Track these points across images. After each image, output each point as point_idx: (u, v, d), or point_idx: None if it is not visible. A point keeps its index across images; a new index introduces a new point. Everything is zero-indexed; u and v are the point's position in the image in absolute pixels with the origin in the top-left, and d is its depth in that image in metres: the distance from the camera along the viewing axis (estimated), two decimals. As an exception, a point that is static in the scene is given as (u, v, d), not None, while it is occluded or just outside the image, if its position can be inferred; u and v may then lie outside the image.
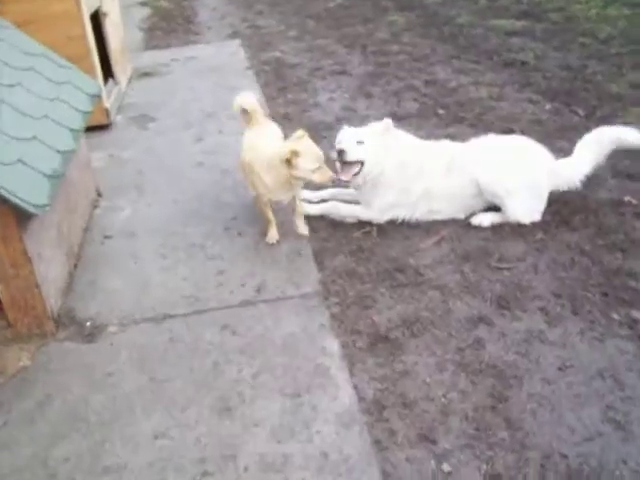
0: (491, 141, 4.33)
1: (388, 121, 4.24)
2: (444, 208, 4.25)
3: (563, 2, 9.47)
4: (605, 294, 3.52)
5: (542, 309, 3.46)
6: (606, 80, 6.39)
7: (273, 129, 4.38)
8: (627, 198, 4.33)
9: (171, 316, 3.63)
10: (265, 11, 11.19)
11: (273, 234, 4.18)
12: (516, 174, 4.08)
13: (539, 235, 4.06)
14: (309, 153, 3.78)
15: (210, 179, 5.10)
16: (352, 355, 3.25)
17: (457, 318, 3.45)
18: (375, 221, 4.31)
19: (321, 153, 3.84)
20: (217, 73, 7.52)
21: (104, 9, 6.39)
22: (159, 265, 4.09)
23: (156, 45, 9.37)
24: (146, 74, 7.73)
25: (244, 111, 4.27)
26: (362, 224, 4.31)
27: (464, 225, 4.24)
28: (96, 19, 6.17)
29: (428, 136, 5.42)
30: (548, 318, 3.40)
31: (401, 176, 4.15)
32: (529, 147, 4.25)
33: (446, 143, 4.41)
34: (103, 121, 6.09)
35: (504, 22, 8.72)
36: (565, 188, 4.21)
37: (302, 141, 3.82)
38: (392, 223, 4.31)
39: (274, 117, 6.08)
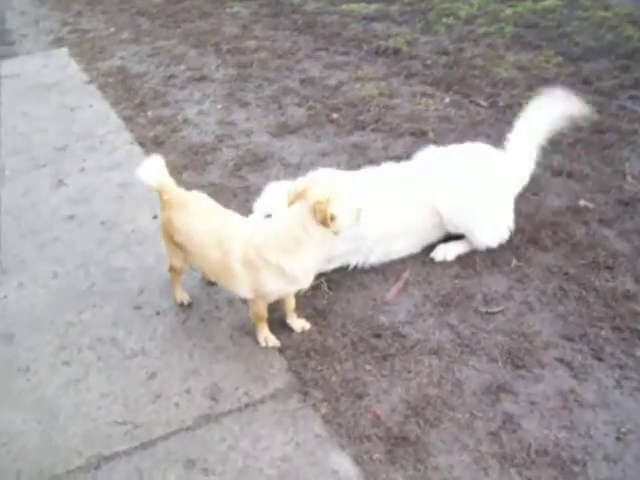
0: (439, 157, 3.71)
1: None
2: (403, 247, 3.60)
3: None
4: (618, 329, 3.10)
5: (561, 360, 2.96)
6: (489, 64, 6.06)
7: (205, 200, 3.21)
8: (583, 203, 3.95)
9: (108, 459, 2.68)
10: (85, 11, 9.56)
11: (272, 337, 3.15)
12: (483, 196, 3.52)
13: (513, 262, 3.55)
14: (335, 194, 2.77)
15: (92, 237, 4.04)
16: (373, 473, 2.53)
17: (472, 390, 2.85)
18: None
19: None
20: (53, 92, 6.24)
21: None
22: (62, 378, 3.08)
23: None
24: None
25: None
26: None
27: (425, 261, 3.62)
28: None
29: (332, 149, 4.84)
30: (573, 372, 2.90)
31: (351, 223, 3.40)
32: (485, 156, 3.70)
33: (389, 168, 3.70)
34: None
35: (355, 6, 8.17)
36: (518, 190, 3.75)
37: (317, 189, 2.80)
38: (341, 270, 3.58)
39: (141, 142, 5.10)
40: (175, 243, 3.16)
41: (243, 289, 2.95)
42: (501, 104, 5.28)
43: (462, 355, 3.02)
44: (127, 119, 5.57)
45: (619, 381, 2.83)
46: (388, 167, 3.70)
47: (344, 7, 8.21)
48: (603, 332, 3.08)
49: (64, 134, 5.36)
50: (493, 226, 3.57)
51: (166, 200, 3.15)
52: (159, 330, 3.30)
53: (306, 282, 2.99)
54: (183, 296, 3.42)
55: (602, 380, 2.84)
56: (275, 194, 3.47)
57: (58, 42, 8.07)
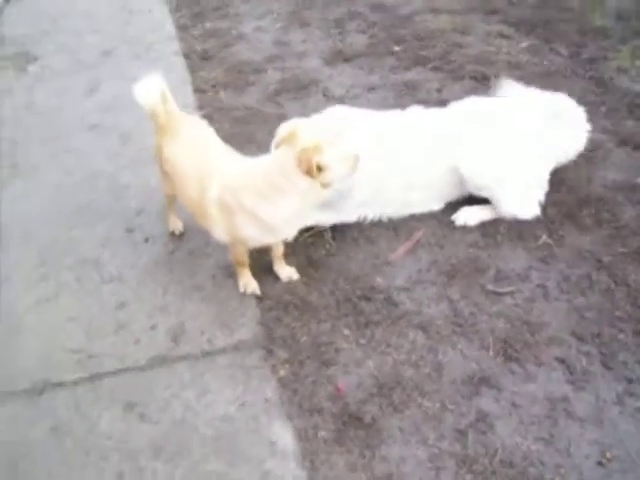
0: (474, 108, 3.27)
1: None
2: (422, 199, 3.24)
3: None
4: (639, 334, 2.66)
5: (562, 361, 2.58)
6: (586, 8, 5.34)
7: (201, 129, 2.95)
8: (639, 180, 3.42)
9: (54, 386, 2.57)
10: None
11: (253, 283, 2.91)
12: (509, 158, 3.10)
13: (543, 238, 3.12)
14: (331, 144, 2.47)
15: (106, 150, 3.89)
16: (314, 452, 2.29)
17: (451, 377, 2.54)
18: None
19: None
20: (117, -9, 6.03)
21: None
22: (35, 295, 2.98)
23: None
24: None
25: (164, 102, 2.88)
26: (311, 223, 3.24)
27: (445, 223, 3.25)
28: None
29: (383, 83, 4.41)
30: (572, 376, 2.52)
31: (373, 170, 3.06)
32: (524, 114, 3.23)
33: (418, 113, 3.30)
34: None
35: None
36: (564, 161, 3.27)
37: (305, 134, 2.47)
38: (351, 220, 3.27)
39: (188, 54, 4.87)
40: (163, 171, 2.93)
41: (218, 232, 2.71)
42: (584, 56, 4.65)
43: (452, 335, 2.69)
44: (182, 28, 5.31)
45: (621, 397, 2.44)
46: (415, 112, 3.30)
47: None
48: (621, 335, 2.67)
49: (114, 38, 5.17)
50: (519, 195, 3.14)
51: (160, 125, 2.90)
52: (143, 258, 3.13)
53: (288, 233, 2.71)
54: (176, 225, 3.22)
55: (602, 392, 2.46)
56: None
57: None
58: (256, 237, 2.66)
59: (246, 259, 2.83)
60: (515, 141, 3.15)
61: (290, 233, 2.71)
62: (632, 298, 2.81)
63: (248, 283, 2.89)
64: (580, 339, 2.65)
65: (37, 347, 2.73)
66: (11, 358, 2.69)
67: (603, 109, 4.00)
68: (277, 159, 2.53)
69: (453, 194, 3.28)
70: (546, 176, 3.22)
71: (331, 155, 2.44)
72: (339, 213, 3.15)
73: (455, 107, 3.35)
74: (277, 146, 2.59)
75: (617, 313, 2.76)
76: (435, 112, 3.30)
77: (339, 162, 2.48)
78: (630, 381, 2.49)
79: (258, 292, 2.88)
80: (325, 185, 2.51)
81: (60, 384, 2.57)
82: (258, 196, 2.53)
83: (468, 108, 3.29)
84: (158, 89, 2.85)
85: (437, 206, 3.30)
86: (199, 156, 2.76)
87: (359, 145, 2.78)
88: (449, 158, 3.13)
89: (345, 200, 3.06)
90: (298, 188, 2.48)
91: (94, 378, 2.59)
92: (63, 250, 3.19)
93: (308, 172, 2.41)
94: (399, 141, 3.13)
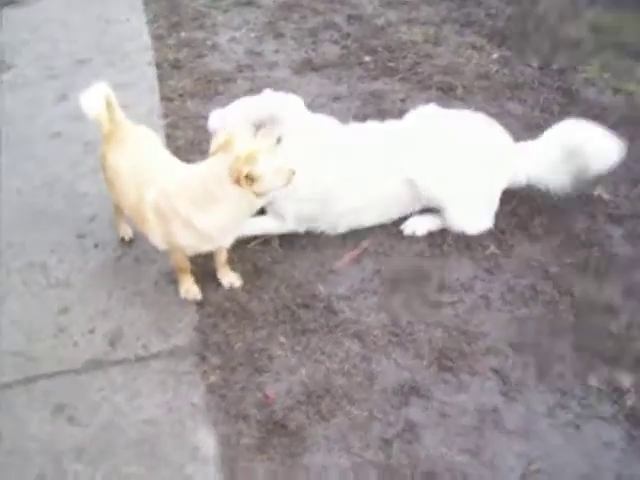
0: (431, 120, 3.26)
1: (298, 103, 3.14)
2: (373, 218, 3.22)
3: None
4: (579, 347, 2.65)
5: (497, 371, 2.56)
6: (561, 20, 5.33)
7: (146, 138, 2.96)
8: (597, 192, 3.39)
9: (-11, 387, 2.57)
10: None
11: (194, 289, 2.90)
12: (463, 172, 3.07)
13: (491, 248, 3.11)
14: (266, 154, 2.47)
15: (67, 157, 3.89)
16: (234, 459, 2.28)
17: (382, 386, 2.52)
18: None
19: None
20: (99, 1, 6.05)
21: None
22: (-18, 302, 2.97)
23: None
24: (11, 2, 6.18)
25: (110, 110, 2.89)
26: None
27: (392, 232, 3.23)
28: None
29: (349, 93, 4.42)
30: (505, 387, 2.50)
31: (321, 184, 3.05)
32: (482, 130, 3.22)
33: (374, 127, 3.28)
34: (-62, 70, 4.71)
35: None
36: (523, 184, 3.24)
37: (240, 144, 2.47)
38: (301, 228, 3.26)
39: (160, 64, 4.88)
40: (107, 178, 2.94)
41: (155, 238, 2.71)
42: (554, 67, 4.64)
43: (388, 345, 2.67)
44: (157, 38, 5.32)
45: (553, 410, 2.42)
46: (371, 126, 3.28)
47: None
48: (560, 347, 2.64)
49: (89, 47, 5.18)
50: (471, 209, 3.13)
51: (105, 133, 2.91)
52: (90, 263, 3.13)
53: (224, 241, 2.70)
54: (126, 231, 3.22)
55: (533, 404, 2.44)
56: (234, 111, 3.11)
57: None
58: (191, 244, 2.65)
59: (187, 265, 2.82)
60: (474, 154, 3.12)
61: (226, 241, 2.70)
62: (575, 310, 2.80)
63: (189, 289, 2.88)
64: (517, 349, 2.64)
65: (-22, 350, 2.73)
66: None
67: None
68: (211, 167, 2.53)
69: (404, 210, 3.25)
70: (499, 192, 3.19)
71: (265, 165, 2.42)
72: (287, 222, 3.13)
73: (411, 117, 3.34)
74: (213, 153, 2.58)
75: (559, 324, 2.74)
76: (390, 125, 3.27)
77: (273, 173, 2.46)
78: (564, 393, 2.48)
79: (199, 297, 2.88)
80: (258, 195, 2.50)
81: (-5, 387, 2.57)
82: (192, 203, 2.53)
83: (423, 120, 3.26)
84: (103, 98, 2.85)
85: (388, 221, 3.27)
86: (140, 163, 2.76)
87: (294, 140, 2.81)
88: (404, 172, 3.10)
89: (289, 207, 3.05)
90: (231, 197, 2.48)
91: (29, 380, 2.59)
92: (14, 254, 3.19)
93: (236, 182, 2.40)
94: (352, 157, 3.11)
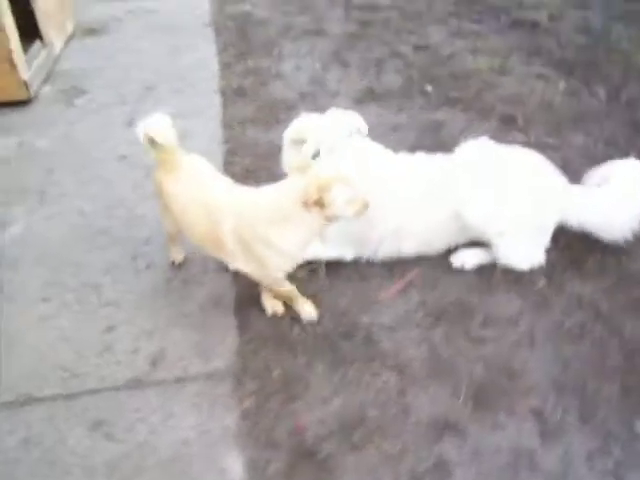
0: (483, 154, 3.21)
1: (355, 118, 3.18)
2: (416, 247, 3.19)
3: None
4: (627, 389, 2.52)
5: (537, 412, 2.47)
6: (635, 49, 5.19)
7: (201, 165, 2.99)
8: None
9: (34, 400, 2.67)
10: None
11: (310, 309, 2.95)
12: (514, 209, 3.00)
13: (541, 283, 3.03)
14: (340, 180, 2.50)
15: (130, 180, 4.04)
16: (261, 486, 2.28)
17: (417, 420, 2.47)
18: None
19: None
20: (172, 31, 6.31)
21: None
22: (37, 313, 3.10)
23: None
24: (91, 31, 6.52)
25: (153, 143, 2.91)
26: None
27: (441, 264, 3.19)
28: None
29: (408, 123, 4.39)
30: (544, 428, 2.41)
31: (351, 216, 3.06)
32: (533, 165, 3.15)
33: (423, 159, 3.26)
34: (21, 96, 4.98)
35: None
36: (575, 225, 3.14)
37: (315, 170, 2.57)
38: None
39: (225, 91, 5.01)
40: (164, 206, 3.03)
41: (238, 263, 2.75)
42: (623, 99, 4.51)
43: (426, 379, 2.63)
44: (225, 66, 5.49)
45: (592, 455, 2.31)
46: (422, 157, 3.27)
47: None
48: (606, 389, 2.53)
49: (159, 74, 5.40)
50: (522, 245, 3.05)
51: (158, 161, 3.00)
52: (142, 285, 3.23)
53: (300, 257, 2.76)
54: (176, 256, 3.31)
55: (573, 447, 2.34)
56: (305, 125, 3.21)
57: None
58: (277, 264, 2.69)
59: (287, 286, 2.86)
60: (526, 191, 3.06)
61: (301, 258, 2.77)
62: (624, 350, 2.68)
63: (309, 310, 2.94)
64: (559, 390, 2.55)
65: (28, 363, 2.84)
66: (2, 371, 2.81)
67: (633, 154, 3.85)
68: (287, 187, 2.60)
69: (449, 243, 3.22)
70: (551, 230, 3.12)
71: (338, 194, 2.47)
72: (328, 247, 3.15)
73: (463, 150, 3.30)
74: (293, 173, 2.68)
75: (607, 364, 2.63)
76: (440, 157, 3.25)
77: (344, 202, 2.50)
78: (606, 438, 2.36)
79: (314, 317, 2.93)
80: (328, 219, 2.55)
81: (40, 399, 2.66)
82: (269, 223, 2.58)
83: (475, 153, 3.22)
84: (166, 126, 2.94)
85: (431, 252, 3.23)
86: (203, 191, 2.82)
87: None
88: (451, 205, 3.07)
89: (333, 232, 3.05)
90: (302, 217, 2.53)
91: (72, 396, 2.67)
92: (70, 273, 3.33)
93: (305, 204, 2.45)
94: (398, 182, 3.11)
